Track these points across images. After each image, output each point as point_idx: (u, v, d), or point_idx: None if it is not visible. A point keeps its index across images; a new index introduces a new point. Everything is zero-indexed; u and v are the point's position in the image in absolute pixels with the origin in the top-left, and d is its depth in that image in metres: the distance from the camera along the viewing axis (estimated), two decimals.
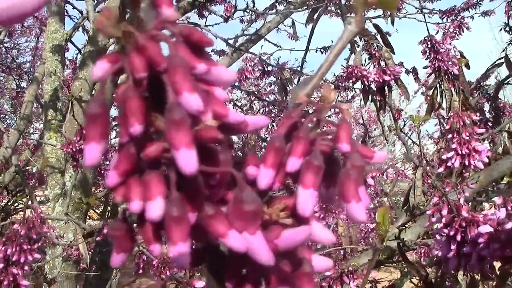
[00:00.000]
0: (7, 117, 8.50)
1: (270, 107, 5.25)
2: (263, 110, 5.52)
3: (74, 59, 5.61)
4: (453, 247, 1.28)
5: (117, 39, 0.29)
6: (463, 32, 3.56)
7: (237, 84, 4.68)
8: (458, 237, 1.27)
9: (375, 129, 10.59)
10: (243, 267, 0.34)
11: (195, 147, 0.29)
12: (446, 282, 1.74)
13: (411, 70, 4.51)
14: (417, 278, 2.45)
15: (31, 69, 7.62)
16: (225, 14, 4.60)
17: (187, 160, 0.29)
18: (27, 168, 5.81)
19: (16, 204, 7.59)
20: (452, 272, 1.58)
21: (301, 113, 0.35)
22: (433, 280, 1.84)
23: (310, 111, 0.37)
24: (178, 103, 0.29)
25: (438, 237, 1.39)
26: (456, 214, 1.31)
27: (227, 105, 0.31)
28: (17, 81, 7.77)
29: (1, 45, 5.89)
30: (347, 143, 0.34)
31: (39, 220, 1.89)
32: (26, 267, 1.68)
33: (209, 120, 0.30)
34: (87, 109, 0.30)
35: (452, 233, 1.28)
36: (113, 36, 0.29)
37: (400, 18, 4.45)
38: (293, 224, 0.34)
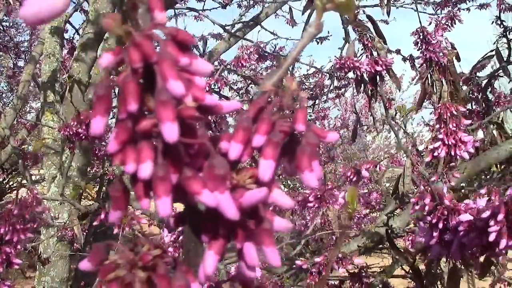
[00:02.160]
0: (3, 95, 8.46)
1: None
2: None
3: (72, 39, 5.61)
4: (435, 234, 1.32)
5: (120, 36, 0.37)
6: (455, 24, 3.59)
7: (234, 68, 4.72)
8: (440, 225, 1.31)
9: (371, 115, 10.62)
10: (217, 224, 0.42)
11: (177, 122, 0.37)
12: (434, 269, 1.79)
13: (408, 58, 4.54)
14: (407, 265, 2.48)
15: (29, 48, 7.57)
16: (223, 1, 4.64)
17: (170, 131, 0.37)
18: (22, 147, 5.80)
19: (11, 183, 7.58)
20: (436, 259, 1.63)
21: (266, 99, 0.43)
22: (419, 267, 1.89)
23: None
24: (165, 88, 0.37)
25: (421, 224, 1.44)
26: (438, 203, 1.35)
27: (205, 91, 0.39)
28: (14, 60, 7.71)
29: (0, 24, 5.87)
30: (303, 124, 0.42)
31: (34, 201, 1.91)
32: (18, 246, 1.72)
33: (189, 102, 0.38)
34: (95, 90, 0.38)
35: (434, 220, 1.32)
36: (117, 34, 0.37)
37: (397, 8, 4.49)
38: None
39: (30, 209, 1.80)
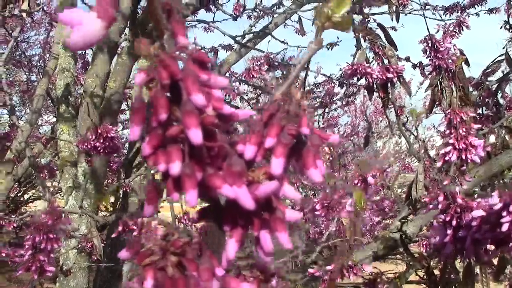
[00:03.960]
0: (16, 109, 8.49)
1: None
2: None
3: (84, 54, 5.69)
4: (449, 232, 1.35)
5: (150, 58, 0.45)
6: (462, 30, 3.63)
7: (244, 79, 4.76)
8: (454, 222, 1.34)
9: (381, 121, 10.62)
10: (236, 215, 0.49)
11: (200, 128, 0.45)
12: (449, 274, 1.82)
13: (418, 65, 4.56)
14: (423, 270, 2.49)
15: (40, 61, 7.62)
16: (234, 13, 4.69)
17: (196, 135, 0.44)
18: (37, 160, 5.86)
19: (25, 196, 7.64)
20: (450, 260, 1.66)
21: (276, 107, 0.50)
22: (434, 271, 1.92)
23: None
24: (189, 100, 0.45)
25: (435, 223, 1.47)
26: (451, 201, 1.39)
27: (222, 101, 0.46)
28: (27, 74, 7.76)
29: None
30: (307, 128, 0.49)
31: (57, 213, 1.97)
32: (52, 255, 1.79)
33: (210, 111, 0.45)
34: (132, 104, 0.45)
35: (448, 218, 1.36)
36: (148, 56, 0.44)
37: (406, 15, 4.51)
38: None
39: (60, 220, 1.86)
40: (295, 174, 0.50)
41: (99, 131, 2.47)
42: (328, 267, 2.06)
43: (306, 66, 4.60)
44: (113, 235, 2.44)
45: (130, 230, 2.31)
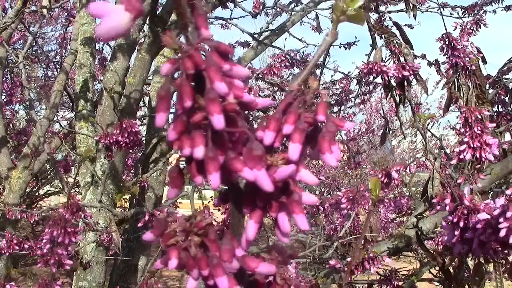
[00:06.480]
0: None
1: None
2: None
3: (101, 49, 5.73)
4: (456, 233, 1.38)
5: (175, 49, 0.47)
6: (480, 28, 3.62)
7: (261, 76, 4.78)
8: (461, 224, 1.36)
9: (396, 119, 10.58)
10: (255, 198, 0.52)
11: (222, 114, 0.47)
12: (462, 273, 1.83)
13: (434, 63, 4.55)
14: (436, 268, 2.49)
15: (57, 57, 7.64)
16: (254, 11, 4.71)
17: (218, 121, 0.47)
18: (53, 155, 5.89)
19: (40, 190, 7.68)
20: (461, 258, 1.68)
21: (293, 96, 0.53)
22: (449, 268, 1.93)
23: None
24: (212, 88, 0.48)
25: (444, 223, 1.49)
26: (459, 203, 1.41)
27: (243, 90, 0.49)
28: (44, 70, 7.79)
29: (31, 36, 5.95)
30: (323, 115, 0.52)
31: (76, 207, 2.01)
32: (69, 248, 1.83)
33: (231, 99, 0.48)
34: (158, 92, 0.48)
35: (455, 220, 1.38)
36: (173, 48, 0.47)
37: (422, 12, 4.51)
38: None
39: (78, 214, 1.89)
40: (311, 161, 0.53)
41: (124, 125, 2.51)
42: (348, 259, 2.08)
43: (322, 63, 4.61)
44: (139, 225, 2.48)
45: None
